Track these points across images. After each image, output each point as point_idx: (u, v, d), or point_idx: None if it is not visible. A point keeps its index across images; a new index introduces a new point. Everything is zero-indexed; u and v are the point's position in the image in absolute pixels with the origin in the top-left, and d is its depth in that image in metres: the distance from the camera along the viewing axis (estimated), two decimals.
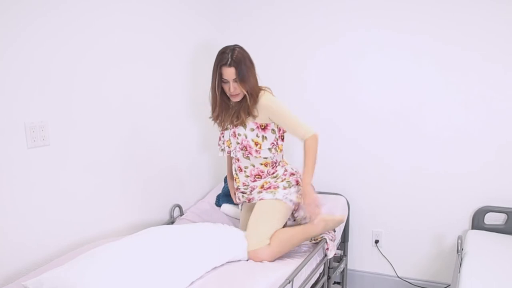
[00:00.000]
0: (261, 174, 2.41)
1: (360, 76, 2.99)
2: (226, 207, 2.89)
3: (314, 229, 2.36)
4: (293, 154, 3.18)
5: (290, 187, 2.38)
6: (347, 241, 3.10)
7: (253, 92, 2.31)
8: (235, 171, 2.48)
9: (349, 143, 3.09)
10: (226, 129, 2.43)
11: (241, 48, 2.32)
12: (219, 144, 2.52)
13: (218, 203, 2.94)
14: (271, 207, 2.30)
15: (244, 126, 2.34)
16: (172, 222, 2.69)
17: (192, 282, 1.78)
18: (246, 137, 2.34)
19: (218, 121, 2.45)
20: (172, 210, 2.76)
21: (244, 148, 2.35)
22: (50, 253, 2.05)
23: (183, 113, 2.91)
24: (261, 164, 2.39)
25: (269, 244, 2.17)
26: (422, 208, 2.96)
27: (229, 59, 2.24)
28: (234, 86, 2.27)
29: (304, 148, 2.33)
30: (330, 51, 3.05)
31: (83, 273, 1.57)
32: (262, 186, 2.39)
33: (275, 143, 2.37)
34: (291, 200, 2.34)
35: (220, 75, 2.28)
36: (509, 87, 2.66)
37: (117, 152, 2.41)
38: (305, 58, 3.13)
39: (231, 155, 2.44)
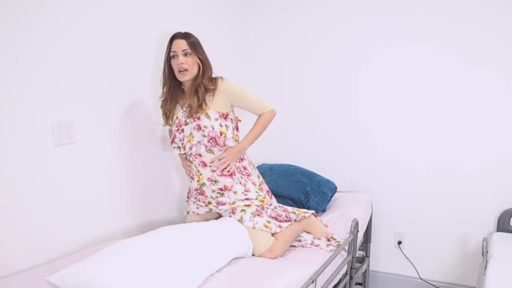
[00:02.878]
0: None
1: (384, 78, 2.98)
2: None
3: (307, 221, 2.41)
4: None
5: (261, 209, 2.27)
6: (370, 242, 3.08)
7: (206, 67, 2.24)
8: (196, 167, 2.29)
9: (373, 142, 3.07)
10: (186, 124, 2.24)
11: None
12: (174, 142, 2.31)
13: None
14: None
15: (208, 116, 2.19)
16: None
17: (207, 280, 1.79)
18: (213, 128, 2.20)
19: (165, 108, 2.32)
20: None
21: (212, 140, 2.21)
22: (73, 247, 2.10)
23: None
24: None
25: (276, 239, 2.21)
26: (446, 209, 2.92)
27: (181, 33, 2.23)
28: (183, 59, 2.18)
29: (257, 119, 2.33)
30: (358, 56, 3.05)
31: (102, 269, 1.60)
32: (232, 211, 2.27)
33: (233, 132, 2.29)
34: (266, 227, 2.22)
35: (169, 49, 2.23)
36: None
37: (140, 150, 2.44)
38: (333, 60, 3.13)
39: (192, 152, 2.26)
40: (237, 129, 2.34)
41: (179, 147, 2.31)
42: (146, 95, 2.47)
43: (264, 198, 2.32)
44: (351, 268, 2.48)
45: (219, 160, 2.25)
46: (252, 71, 3.36)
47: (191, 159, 2.31)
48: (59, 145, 1.99)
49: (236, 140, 2.32)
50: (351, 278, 2.50)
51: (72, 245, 2.09)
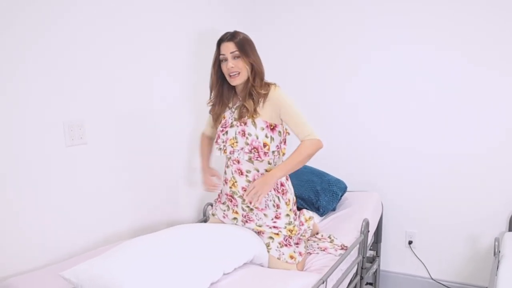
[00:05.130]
0: None
1: (391, 78, 2.97)
2: None
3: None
4: None
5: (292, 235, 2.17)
6: (380, 241, 3.07)
7: (257, 70, 2.11)
8: (232, 174, 2.18)
9: (383, 141, 3.06)
10: (232, 126, 2.15)
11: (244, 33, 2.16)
12: (217, 142, 2.20)
13: None
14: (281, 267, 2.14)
15: (254, 124, 2.07)
16: (205, 221, 2.71)
17: (219, 280, 1.80)
18: (257, 138, 2.07)
19: (214, 112, 2.23)
20: (205, 208, 2.78)
21: (254, 150, 2.08)
22: (85, 246, 2.12)
23: None
24: (266, 170, 2.14)
25: (297, 268, 2.16)
26: (458, 209, 2.90)
27: (229, 35, 2.10)
28: (233, 63, 2.06)
29: (298, 146, 2.10)
30: (373, 54, 3.04)
31: (115, 264, 1.63)
32: (260, 230, 2.18)
33: (279, 145, 2.14)
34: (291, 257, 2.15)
35: (218, 52, 2.12)
36: None
37: (152, 150, 2.45)
38: (340, 60, 3.12)
39: (233, 156, 2.14)
40: (284, 142, 2.18)
41: (220, 149, 2.18)
42: (158, 95, 2.47)
43: (293, 227, 2.17)
44: (362, 268, 2.48)
45: (251, 191, 2.09)
46: None
47: (229, 163, 2.19)
48: (70, 145, 2.00)
49: (283, 154, 2.17)
50: (361, 278, 2.49)
51: (84, 243, 2.11)
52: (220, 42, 2.12)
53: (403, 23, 2.89)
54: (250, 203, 2.11)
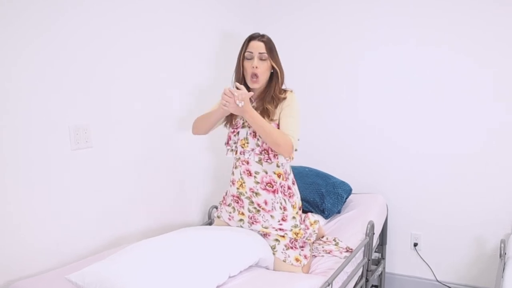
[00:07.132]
0: (273, 184, 2.13)
1: (396, 75, 2.97)
2: None
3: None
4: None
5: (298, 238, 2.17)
6: (385, 244, 3.06)
7: (281, 75, 2.14)
8: (240, 174, 2.18)
9: (388, 143, 3.06)
10: (243, 126, 2.14)
11: None
12: (228, 144, 2.21)
13: None
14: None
15: None
16: (210, 223, 2.72)
17: (225, 283, 1.80)
18: None
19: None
20: (210, 211, 2.79)
21: (265, 152, 2.08)
22: (91, 249, 2.13)
23: None
24: (274, 172, 2.13)
25: (302, 271, 2.16)
26: (463, 211, 2.89)
27: (258, 34, 2.13)
28: (258, 63, 2.07)
29: (281, 131, 2.06)
30: (374, 54, 3.04)
31: (121, 267, 1.64)
32: (266, 233, 2.17)
33: None
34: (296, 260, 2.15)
35: (245, 48, 2.11)
36: None
37: (156, 154, 2.46)
38: (344, 62, 3.13)
39: (244, 157, 2.13)
40: None
41: (232, 150, 2.18)
42: (164, 98, 2.48)
43: (299, 230, 2.17)
44: (367, 271, 2.48)
45: (239, 95, 1.93)
46: None
47: (237, 164, 2.19)
48: (75, 149, 2.01)
49: (292, 158, 2.11)
50: (367, 280, 2.49)
51: (89, 247, 2.11)
52: (250, 39, 2.12)
53: (405, 23, 2.89)
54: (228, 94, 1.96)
